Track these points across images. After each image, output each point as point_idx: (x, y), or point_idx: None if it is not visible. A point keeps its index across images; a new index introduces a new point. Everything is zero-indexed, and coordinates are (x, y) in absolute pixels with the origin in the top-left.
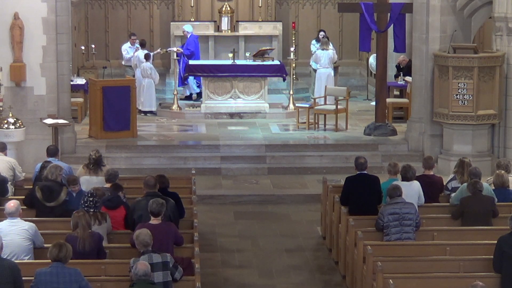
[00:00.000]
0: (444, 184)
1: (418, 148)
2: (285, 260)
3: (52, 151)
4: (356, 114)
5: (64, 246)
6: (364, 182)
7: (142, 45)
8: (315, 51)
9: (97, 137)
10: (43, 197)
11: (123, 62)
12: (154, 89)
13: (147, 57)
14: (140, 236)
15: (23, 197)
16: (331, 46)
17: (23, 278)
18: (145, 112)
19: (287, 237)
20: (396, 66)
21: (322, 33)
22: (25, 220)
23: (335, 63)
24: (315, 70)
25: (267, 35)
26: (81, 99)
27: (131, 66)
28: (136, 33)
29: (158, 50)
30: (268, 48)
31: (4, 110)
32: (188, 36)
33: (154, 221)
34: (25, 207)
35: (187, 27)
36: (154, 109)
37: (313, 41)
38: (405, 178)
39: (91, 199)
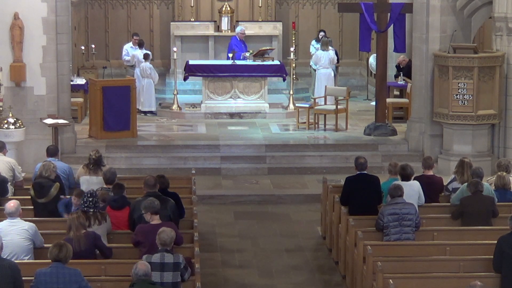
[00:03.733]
0: (445, 184)
1: (418, 148)
2: (285, 260)
3: (52, 151)
4: (356, 114)
5: (64, 246)
6: (364, 182)
7: (140, 45)
8: (315, 52)
9: (97, 137)
10: (35, 194)
11: (124, 62)
12: (154, 89)
13: (146, 57)
14: (162, 234)
15: (23, 197)
16: (331, 47)
17: (23, 278)
18: (145, 112)
19: (287, 237)
20: (396, 66)
21: (322, 33)
22: (25, 220)
23: (337, 63)
24: (315, 70)
25: (267, 35)
26: (81, 99)
27: (132, 66)
28: (136, 33)
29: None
30: (268, 48)
31: (4, 110)
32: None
33: (154, 221)
34: (25, 207)
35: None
36: (153, 109)
37: (313, 42)
38: (404, 176)
39: (90, 199)
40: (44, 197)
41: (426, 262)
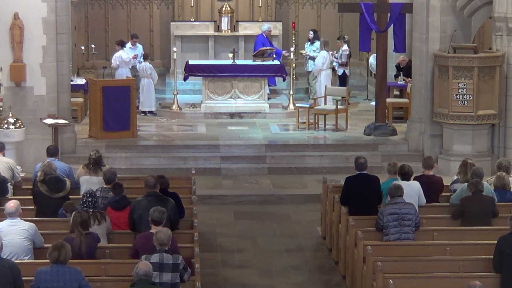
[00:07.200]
0: (448, 185)
1: (418, 148)
2: (285, 260)
3: (52, 151)
4: (356, 114)
5: (63, 248)
6: (364, 182)
7: (123, 45)
8: (319, 52)
9: (97, 137)
10: (49, 189)
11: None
12: (154, 89)
13: (146, 57)
14: (159, 234)
15: (23, 197)
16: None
17: (23, 278)
18: (145, 112)
19: (287, 237)
20: (396, 66)
21: (311, 32)
22: (25, 220)
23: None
24: (309, 72)
25: None
26: (81, 99)
27: (132, 67)
28: (136, 33)
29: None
30: (268, 48)
31: (4, 110)
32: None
33: (155, 229)
34: (25, 207)
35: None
36: (153, 109)
37: (306, 44)
38: (404, 175)
39: (90, 199)
40: (61, 191)
41: (426, 262)
